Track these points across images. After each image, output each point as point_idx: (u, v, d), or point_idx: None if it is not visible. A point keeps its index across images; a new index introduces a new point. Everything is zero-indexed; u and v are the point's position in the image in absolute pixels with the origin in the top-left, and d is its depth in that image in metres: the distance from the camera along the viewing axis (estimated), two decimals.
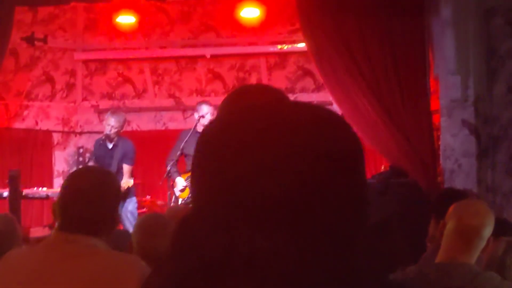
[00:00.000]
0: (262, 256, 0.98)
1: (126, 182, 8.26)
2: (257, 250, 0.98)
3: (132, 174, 8.66)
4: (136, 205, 8.81)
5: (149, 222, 3.75)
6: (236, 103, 1.87)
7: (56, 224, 2.72)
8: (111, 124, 8.47)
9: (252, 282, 0.97)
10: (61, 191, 2.73)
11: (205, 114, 8.29)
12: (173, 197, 8.60)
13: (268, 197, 0.99)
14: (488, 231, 3.02)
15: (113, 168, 8.26)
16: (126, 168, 8.46)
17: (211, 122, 1.14)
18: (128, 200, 8.47)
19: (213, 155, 1.06)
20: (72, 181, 2.76)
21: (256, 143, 1.03)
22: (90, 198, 2.65)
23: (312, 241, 0.99)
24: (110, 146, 8.57)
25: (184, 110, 11.71)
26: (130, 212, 8.50)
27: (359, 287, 1.02)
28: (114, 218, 2.78)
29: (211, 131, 1.11)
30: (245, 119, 1.08)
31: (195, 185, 1.10)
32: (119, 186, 2.87)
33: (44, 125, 11.65)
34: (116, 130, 8.48)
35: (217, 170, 1.04)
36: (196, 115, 8.44)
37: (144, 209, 9.90)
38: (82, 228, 2.61)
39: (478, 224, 2.99)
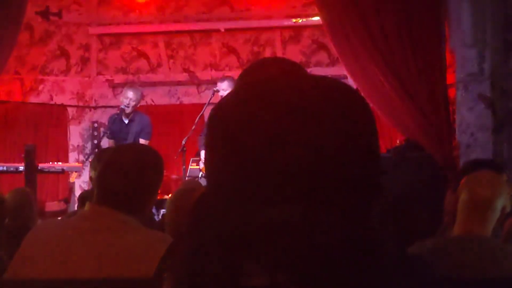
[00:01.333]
0: (278, 230, 0.98)
1: None
2: (273, 224, 0.98)
3: None
4: None
5: (182, 199, 3.71)
6: (251, 77, 1.86)
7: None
8: (129, 97, 8.49)
9: (269, 255, 0.97)
10: (101, 164, 2.72)
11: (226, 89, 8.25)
12: (188, 171, 8.63)
13: (282, 170, 1.00)
14: (501, 201, 3.00)
15: (129, 142, 8.29)
16: (142, 142, 8.48)
17: (222, 99, 1.14)
18: None
19: (225, 131, 1.06)
20: (113, 155, 2.75)
21: (268, 116, 1.03)
22: (128, 175, 2.65)
23: (327, 212, 1.00)
24: (126, 121, 8.59)
25: (199, 84, 11.69)
26: None
27: (375, 258, 1.02)
28: (151, 198, 2.76)
29: (222, 106, 1.11)
30: (256, 93, 1.08)
31: (210, 161, 1.10)
32: (162, 166, 2.83)
33: (59, 100, 11.67)
34: (134, 103, 8.49)
35: (230, 145, 1.04)
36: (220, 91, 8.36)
37: None
38: (116, 204, 2.62)
39: (490, 195, 2.98)
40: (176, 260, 1.09)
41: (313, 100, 1.05)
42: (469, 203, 2.99)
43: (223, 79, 8.51)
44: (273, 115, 1.02)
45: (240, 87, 1.14)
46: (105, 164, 2.70)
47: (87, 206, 2.68)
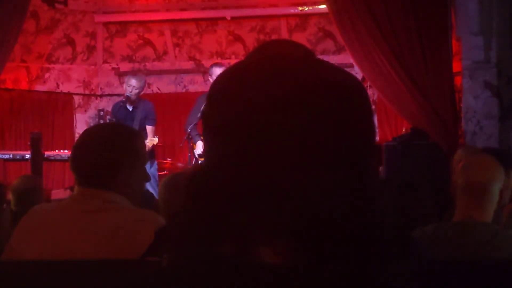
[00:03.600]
0: (281, 195, 0.98)
1: (151, 140, 8.30)
2: (276, 189, 0.99)
3: (155, 134, 8.69)
4: (157, 167, 8.86)
5: (176, 180, 3.71)
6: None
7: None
8: (132, 84, 8.48)
9: (271, 221, 0.98)
10: (73, 146, 2.72)
11: None
12: (194, 159, 8.63)
13: (284, 136, 1.00)
14: (498, 185, 3.00)
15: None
16: (149, 128, 8.49)
17: (222, 73, 1.13)
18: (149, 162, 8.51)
19: (226, 104, 1.06)
20: (80, 137, 2.75)
21: (270, 87, 1.03)
22: (96, 152, 2.63)
23: (331, 176, 1.00)
24: (130, 108, 8.58)
25: (205, 72, 11.67)
26: (151, 174, 8.53)
27: (378, 233, 1.02)
28: (131, 173, 2.72)
29: (222, 80, 1.11)
30: (257, 66, 1.07)
31: (208, 136, 1.09)
32: (134, 140, 2.80)
33: (65, 88, 11.69)
34: (137, 91, 8.48)
35: (231, 112, 1.04)
36: (211, 79, 8.44)
37: (165, 172, 9.96)
38: (97, 183, 2.62)
39: (485, 179, 2.98)
40: (175, 235, 1.09)
41: (310, 67, 1.07)
42: (465, 189, 2.99)
43: (211, 66, 8.56)
44: (273, 87, 1.02)
45: (236, 65, 1.14)
46: (74, 147, 2.70)
47: (75, 189, 2.68)
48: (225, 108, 1.05)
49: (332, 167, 1.01)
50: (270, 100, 1.01)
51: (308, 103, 1.01)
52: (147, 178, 2.87)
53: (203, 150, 1.12)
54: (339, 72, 1.09)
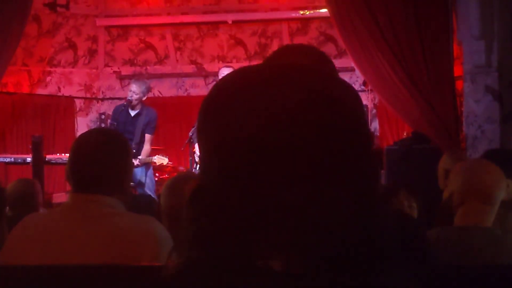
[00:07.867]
0: (287, 210, 0.98)
1: (160, 159, 8.33)
2: (282, 204, 0.98)
3: (152, 143, 8.67)
4: (152, 171, 8.85)
5: (178, 183, 3.71)
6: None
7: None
8: (132, 89, 8.47)
9: (279, 237, 0.97)
10: (70, 152, 2.72)
11: None
12: (195, 163, 8.63)
13: (288, 151, 0.99)
14: (500, 189, 2.99)
15: (136, 136, 8.28)
16: (147, 137, 8.46)
17: (221, 80, 1.11)
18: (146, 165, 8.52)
19: (226, 113, 1.04)
20: (79, 141, 2.76)
21: (272, 97, 1.02)
22: (96, 157, 2.64)
23: (334, 191, 1.00)
24: (133, 113, 8.54)
25: (206, 76, 11.71)
26: (148, 177, 8.54)
27: (382, 240, 1.02)
28: (125, 176, 2.75)
29: (222, 88, 1.09)
30: (259, 75, 1.07)
31: (206, 145, 1.07)
32: (127, 145, 2.83)
33: (66, 91, 11.70)
34: (137, 96, 8.45)
35: (232, 128, 1.02)
36: None
37: (166, 175, 9.96)
38: (94, 188, 2.62)
39: (493, 185, 2.97)
40: (183, 247, 1.08)
41: (313, 79, 1.05)
42: (470, 194, 2.98)
43: (223, 69, 8.50)
44: (275, 97, 1.01)
45: (239, 72, 1.13)
46: (73, 153, 2.70)
47: (70, 196, 2.67)
48: (226, 121, 1.03)
49: (334, 181, 1.00)
50: (272, 114, 1.00)
51: (308, 118, 1.00)
52: (131, 179, 2.92)
53: (200, 162, 1.10)
54: (338, 84, 1.09)
